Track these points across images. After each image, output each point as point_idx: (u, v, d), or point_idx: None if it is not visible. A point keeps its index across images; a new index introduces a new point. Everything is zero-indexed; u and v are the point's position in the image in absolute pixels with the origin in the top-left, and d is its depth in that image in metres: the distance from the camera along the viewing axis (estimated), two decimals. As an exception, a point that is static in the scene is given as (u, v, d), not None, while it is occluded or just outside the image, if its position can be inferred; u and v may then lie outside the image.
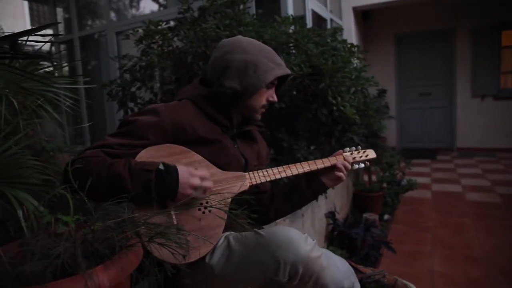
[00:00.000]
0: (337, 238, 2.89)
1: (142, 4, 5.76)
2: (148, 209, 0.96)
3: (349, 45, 2.13)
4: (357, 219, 3.11)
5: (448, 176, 4.92)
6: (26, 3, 11.16)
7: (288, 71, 1.30)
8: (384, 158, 3.88)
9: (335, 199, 3.14)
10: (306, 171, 1.29)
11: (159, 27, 2.19)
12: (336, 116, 1.83)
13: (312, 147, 2.29)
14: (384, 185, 3.95)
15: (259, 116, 1.32)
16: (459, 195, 4.13)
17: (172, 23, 2.49)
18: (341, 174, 1.29)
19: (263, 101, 1.28)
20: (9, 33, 1.05)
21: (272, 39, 2.03)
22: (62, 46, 6.12)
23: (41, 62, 1.58)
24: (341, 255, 2.41)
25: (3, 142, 1.07)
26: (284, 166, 1.27)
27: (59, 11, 6.16)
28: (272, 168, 1.25)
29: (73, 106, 1.51)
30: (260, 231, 1.01)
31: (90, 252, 0.78)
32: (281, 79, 1.35)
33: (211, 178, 1.14)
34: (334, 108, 1.77)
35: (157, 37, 2.01)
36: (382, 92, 6.33)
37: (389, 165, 3.87)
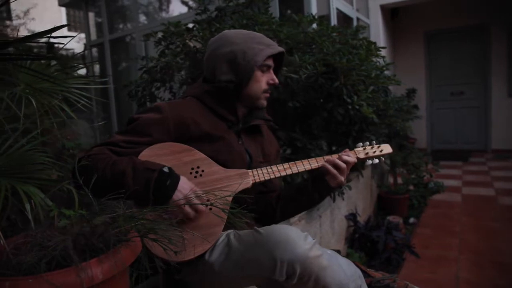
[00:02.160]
0: (358, 241, 2.82)
1: (171, 7, 5.88)
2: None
3: (366, 43, 2.07)
4: (379, 221, 3.02)
5: (481, 179, 4.70)
6: (63, 9, 11.71)
7: (280, 49, 1.27)
8: (410, 160, 3.76)
9: (357, 201, 3.07)
10: (313, 167, 1.27)
11: (178, 28, 2.23)
12: (352, 115, 1.79)
13: (334, 148, 2.26)
14: (411, 187, 3.83)
15: (263, 102, 1.31)
16: (491, 199, 3.93)
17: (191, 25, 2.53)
18: (337, 171, 1.24)
19: (263, 86, 1.27)
20: (23, 36, 1.10)
21: (288, 38, 2.01)
22: (94, 49, 6.37)
23: (75, 63, 1.64)
24: (359, 258, 2.37)
25: (17, 140, 1.12)
26: (290, 163, 1.25)
27: (92, 15, 6.40)
28: (277, 165, 1.23)
29: (90, 105, 1.55)
30: (259, 229, 1.00)
31: (87, 246, 0.80)
32: (279, 61, 1.34)
33: (213, 176, 1.15)
34: (349, 107, 1.73)
35: (174, 37, 2.04)
36: (411, 92, 6.15)
37: (415, 167, 3.75)
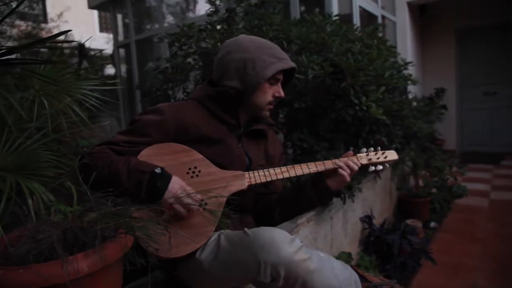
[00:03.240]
0: (373, 244, 2.77)
1: (198, 7, 5.96)
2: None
3: (376, 42, 2.03)
4: (396, 225, 2.95)
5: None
6: (95, 12, 12.13)
7: (291, 64, 1.27)
8: (433, 162, 3.65)
9: (374, 203, 3.01)
10: (311, 172, 1.26)
11: (192, 30, 2.27)
12: (361, 116, 1.77)
13: (351, 148, 2.23)
14: (434, 190, 3.71)
15: (267, 113, 1.32)
16: (521, 204, 3.75)
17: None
18: (344, 173, 1.24)
19: (268, 98, 1.27)
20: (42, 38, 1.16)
21: (298, 38, 2.01)
22: (122, 50, 6.58)
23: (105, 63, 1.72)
24: (370, 262, 2.33)
25: (27, 139, 1.19)
26: (288, 166, 1.26)
27: (119, 17, 6.61)
28: (275, 168, 1.24)
29: (101, 105, 1.62)
30: (247, 231, 1.02)
31: (76, 241, 0.84)
32: (288, 74, 1.34)
33: (210, 176, 1.17)
34: (357, 108, 1.70)
35: (183, 39, 2.08)
36: (440, 91, 5.94)
37: (438, 169, 3.63)
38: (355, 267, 1.27)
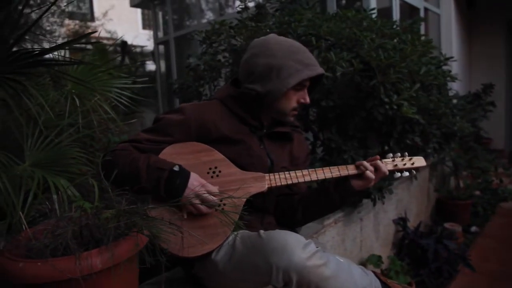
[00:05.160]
0: (407, 247, 2.66)
1: (237, 3, 5.98)
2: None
3: (409, 37, 1.92)
4: (432, 228, 2.81)
5: None
6: (139, 10, 12.54)
7: (319, 71, 1.23)
8: (477, 162, 3.44)
9: (409, 205, 2.89)
10: (333, 176, 1.23)
11: (224, 27, 2.28)
12: (391, 115, 1.69)
13: (370, 150, 2.15)
14: (477, 192, 3.50)
15: (290, 119, 1.29)
16: None
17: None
18: (370, 176, 1.19)
19: (293, 104, 1.25)
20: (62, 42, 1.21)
21: (328, 34, 1.95)
22: (161, 47, 6.76)
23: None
24: (401, 266, 2.24)
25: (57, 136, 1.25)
26: (309, 170, 1.23)
27: (160, 14, 6.79)
28: (296, 171, 1.22)
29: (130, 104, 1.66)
30: (262, 233, 1.00)
31: (92, 237, 0.87)
32: (316, 79, 1.30)
33: (230, 177, 1.17)
34: (387, 107, 1.63)
35: (213, 36, 2.09)
36: (488, 87, 5.57)
37: (482, 170, 3.41)
38: (379, 274, 1.22)
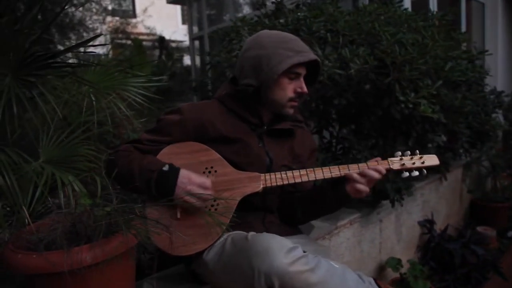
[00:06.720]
0: (433, 251, 2.55)
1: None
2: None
3: (429, 33, 1.82)
4: (462, 231, 2.67)
5: None
6: (178, 6, 12.82)
7: (311, 57, 1.20)
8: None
9: (437, 206, 2.76)
10: (333, 176, 1.20)
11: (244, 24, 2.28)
12: (407, 114, 1.62)
13: (409, 144, 2.07)
14: (516, 195, 3.27)
15: (289, 110, 1.27)
16: None
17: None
18: (359, 187, 1.16)
19: (289, 94, 1.23)
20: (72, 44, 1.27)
21: (346, 29, 1.89)
22: (196, 42, 6.89)
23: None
24: (422, 271, 2.14)
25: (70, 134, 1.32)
26: (307, 170, 1.21)
27: (195, 9, 6.90)
28: (293, 171, 1.20)
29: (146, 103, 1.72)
30: (249, 236, 1.01)
31: (85, 233, 0.92)
32: (315, 69, 1.28)
33: (225, 177, 1.18)
34: (402, 105, 1.56)
35: (232, 34, 2.10)
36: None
37: (523, 171, 3.19)
38: (380, 282, 1.18)
